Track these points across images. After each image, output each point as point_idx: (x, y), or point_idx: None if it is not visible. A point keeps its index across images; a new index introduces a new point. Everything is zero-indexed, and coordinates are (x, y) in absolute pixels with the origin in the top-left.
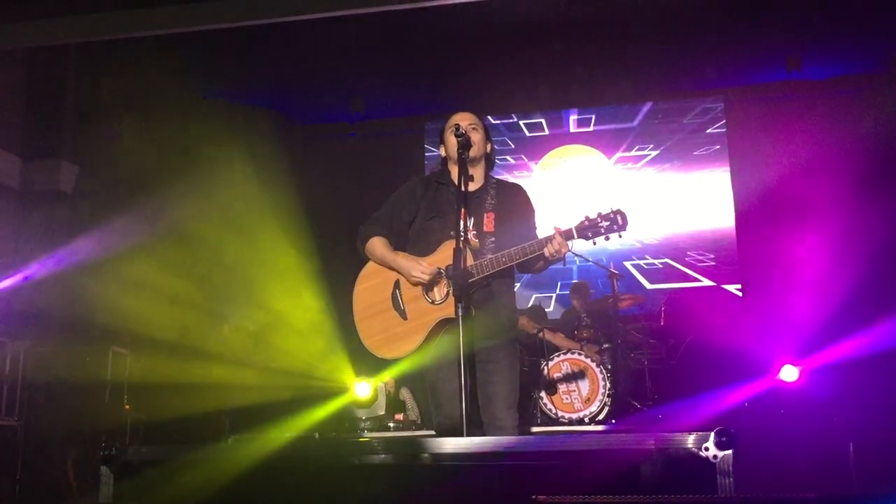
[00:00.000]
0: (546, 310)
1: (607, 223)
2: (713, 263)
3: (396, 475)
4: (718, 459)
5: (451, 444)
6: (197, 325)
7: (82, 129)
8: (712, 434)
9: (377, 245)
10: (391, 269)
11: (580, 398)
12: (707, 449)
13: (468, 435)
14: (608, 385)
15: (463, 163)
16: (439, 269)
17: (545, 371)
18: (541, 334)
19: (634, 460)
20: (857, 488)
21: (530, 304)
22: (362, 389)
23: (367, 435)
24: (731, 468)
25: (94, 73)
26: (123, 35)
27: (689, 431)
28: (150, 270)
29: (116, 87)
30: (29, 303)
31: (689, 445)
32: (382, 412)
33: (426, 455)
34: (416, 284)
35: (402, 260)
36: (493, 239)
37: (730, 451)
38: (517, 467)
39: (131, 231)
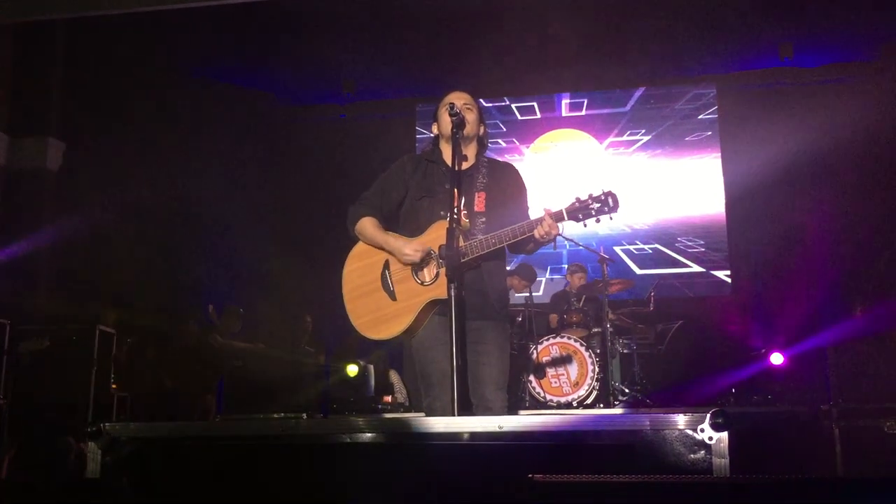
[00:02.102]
0: (535, 294)
1: (598, 205)
2: (703, 249)
3: (388, 455)
4: (714, 441)
5: (444, 424)
6: (182, 305)
7: (70, 107)
8: (708, 415)
9: (367, 225)
10: (382, 249)
11: (569, 382)
12: (703, 430)
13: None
14: (597, 369)
15: (456, 143)
16: (430, 249)
17: (534, 354)
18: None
19: (630, 440)
20: (841, 471)
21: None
22: (351, 371)
23: (356, 416)
24: (726, 450)
25: (83, 50)
26: (113, 11)
27: (686, 412)
28: (136, 250)
29: (105, 64)
30: (14, 281)
31: (685, 426)
32: (371, 394)
33: (420, 434)
34: (407, 264)
35: (393, 240)
36: (483, 219)
37: (725, 433)
38: (512, 447)
39: (118, 209)
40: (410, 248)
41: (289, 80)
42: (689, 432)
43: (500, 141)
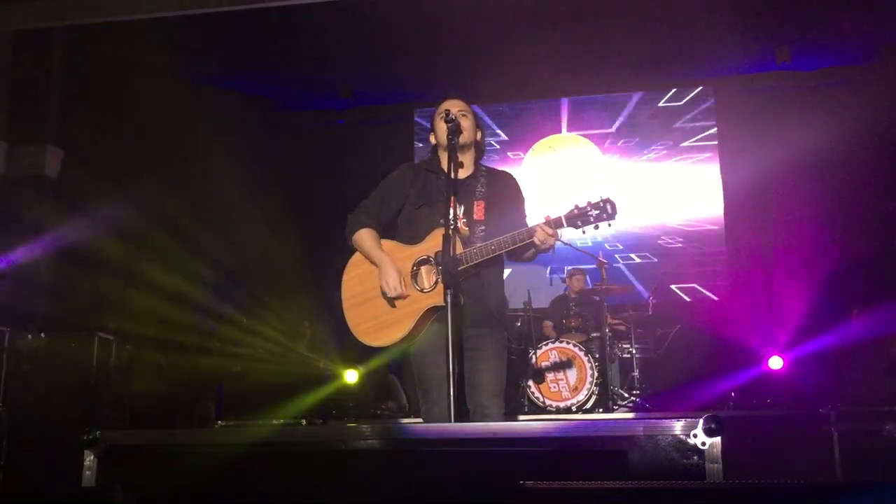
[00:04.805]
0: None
1: (596, 212)
2: (701, 253)
3: (383, 461)
4: (707, 446)
5: (438, 430)
6: (181, 312)
7: (68, 114)
8: (701, 421)
9: (364, 238)
10: (374, 264)
11: (568, 387)
12: (696, 436)
13: (455, 422)
14: (596, 374)
15: (452, 149)
16: (428, 256)
17: (533, 359)
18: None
19: (623, 446)
20: (840, 477)
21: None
22: (350, 377)
23: (355, 422)
24: (719, 455)
25: (81, 58)
26: (112, 18)
27: (678, 418)
28: (135, 257)
29: (103, 71)
30: (13, 288)
31: (678, 432)
32: (370, 400)
33: (414, 441)
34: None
35: (387, 264)
36: (482, 227)
37: (718, 438)
38: (505, 453)
39: (117, 216)
40: (394, 283)
41: (287, 86)
42: (683, 438)
43: (498, 146)
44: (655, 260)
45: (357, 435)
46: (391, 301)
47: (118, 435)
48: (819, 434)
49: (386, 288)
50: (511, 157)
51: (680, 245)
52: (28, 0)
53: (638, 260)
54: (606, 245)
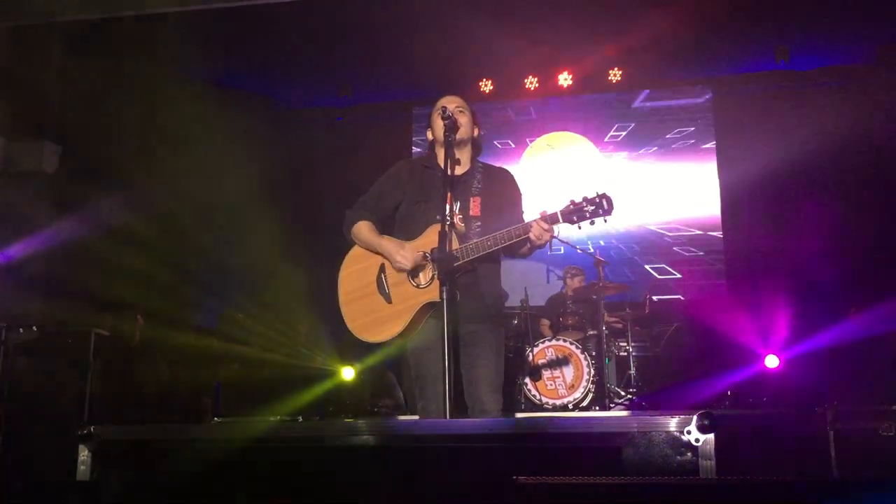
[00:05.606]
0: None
1: (592, 207)
2: (699, 252)
3: (380, 457)
4: (700, 443)
5: (434, 426)
6: (179, 309)
7: (66, 110)
8: (694, 417)
9: (363, 229)
10: (376, 252)
11: (564, 384)
12: (689, 432)
13: (452, 418)
14: (592, 372)
15: (449, 145)
16: (424, 253)
17: (530, 357)
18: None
19: (617, 443)
20: (836, 475)
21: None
22: (347, 374)
23: (352, 418)
24: (712, 451)
25: (80, 54)
26: (110, 15)
27: (673, 415)
28: (131, 253)
29: (102, 67)
30: (9, 284)
31: (672, 429)
32: (367, 397)
33: (410, 437)
34: (399, 270)
35: (388, 244)
36: (479, 223)
37: (711, 435)
38: (500, 449)
39: (114, 212)
40: (402, 254)
41: (286, 83)
42: (677, 434)
43: (496, 144)
44: (679, 276)
45: (354, 431)
46: (388, 297)
47: (113, 430)
48: (815, 433)
49: (395, 264)
50: (508, 154)
51: (677, 243)
52: None
53: (658, 276)
54: (612, 252)
